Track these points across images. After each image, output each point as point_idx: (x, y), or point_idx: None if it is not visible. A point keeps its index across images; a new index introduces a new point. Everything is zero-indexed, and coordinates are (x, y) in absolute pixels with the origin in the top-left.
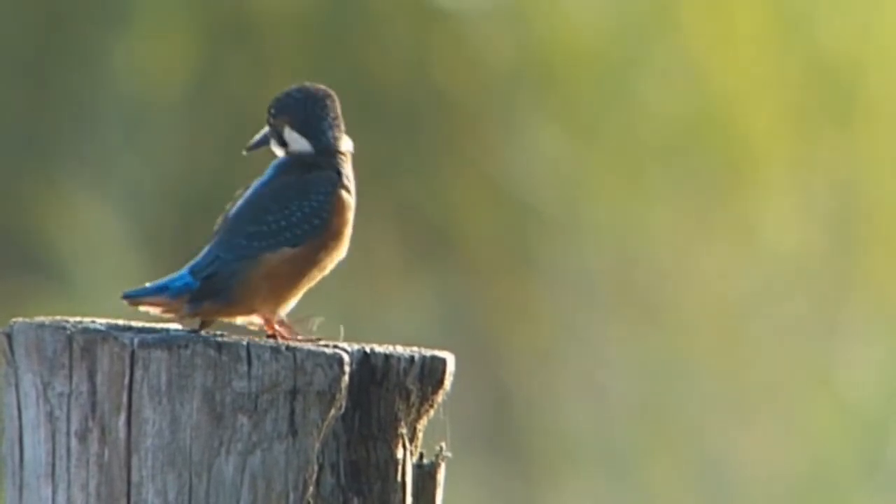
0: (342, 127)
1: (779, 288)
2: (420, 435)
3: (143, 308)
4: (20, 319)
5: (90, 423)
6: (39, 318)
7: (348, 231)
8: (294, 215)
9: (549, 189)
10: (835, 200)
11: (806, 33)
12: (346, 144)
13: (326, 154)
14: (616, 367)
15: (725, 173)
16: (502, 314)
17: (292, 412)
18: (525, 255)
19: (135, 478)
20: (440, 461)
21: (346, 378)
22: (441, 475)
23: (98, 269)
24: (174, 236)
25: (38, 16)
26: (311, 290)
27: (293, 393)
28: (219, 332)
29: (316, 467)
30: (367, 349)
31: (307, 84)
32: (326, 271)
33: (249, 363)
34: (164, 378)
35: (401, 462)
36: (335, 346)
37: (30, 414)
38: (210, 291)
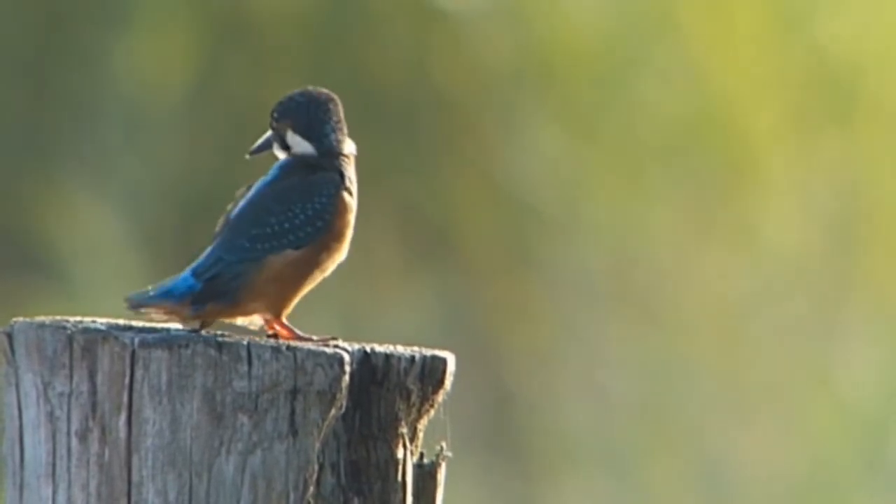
0: (345, 130)
1: (779, 288)
2: (420, 435)
3: (145, 310)
4: (20, 319)
5: (90, 423)
6: (40, 318)
7: (349, 233)
8: (297, 217)
9: (549, 189)
10: (835, 200)
11: (806, 33)
12: (348, 147)
13: (329, 156)
14: (616, 367)
15: (725, 173)
16: (502, 314)
17: (293, 412)
18: (525, 255)
19: (135, 478)
20: (440, 461)
21: (347, 378)
22: (441, 475)
23: (98, 269)
24: (174, 236)
25: (38, 16)
26: (311, 291)
27: (294, 393)
28: (219, 332)
29: (316, 467)
30: (368, 349)
31: (310, 88)
32: (327, 272)
33: (250, 363)
34: (164, 378)
35: (401, 462)
36: (336, 346)
37: (30, 414)
38: (213, 293)
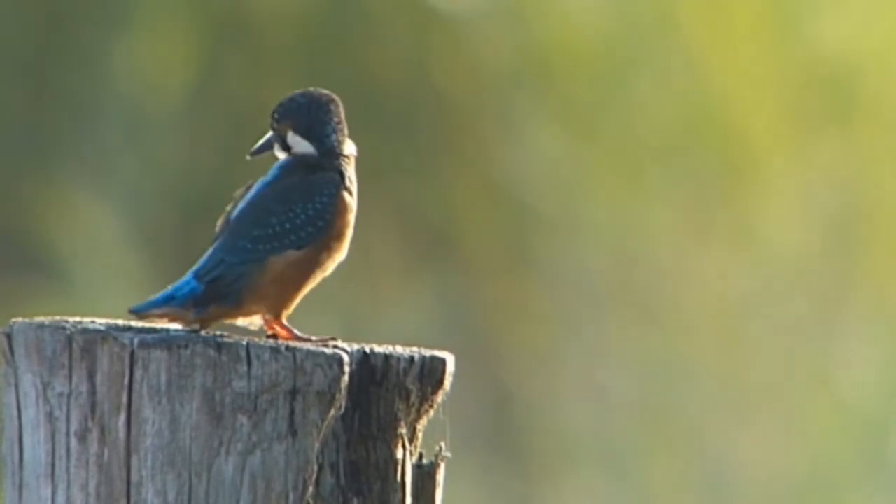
0: (346, 131)
1: (779, 288)
2: (420, 435)
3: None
4: (20, 319)
5: (90, 423)
6: (39, 318)
7: (350, 232)
8: (299, 217)
9: (548, 189)
10: (835, 200)
11: (806, 33)
12: (349, 148)
13: (330, 157)
14: (616, 367)
15: (725, 173)
16: (502, 314)
17: (292, 412)
18: (525, 255)
19: (134, 478)
20: (440, 461)
21: (346, 378)
22: (441, 475)
23: (98, 269)
24: (174, 236)
25: (38, 16)
26: (311, 291)
27: (293, 393)
28: (219, 333)
29: (316, 467)
30: (367, 349)
31: (311, 89)
32: (328, 272)
33: (249, 363)
34: (163, 378)
35: (400, 462)
36: (335, 347)
37: (29, 414)
38: (215, 295)
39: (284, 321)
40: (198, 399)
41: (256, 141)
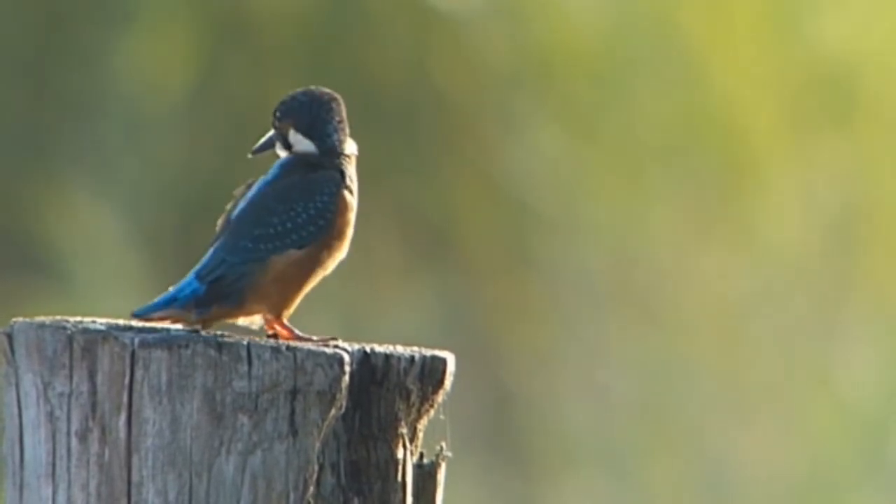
0: (347, 130)
1: (779, 288)
2: (420, 435)
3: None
4: (20, 319)
5: (90, 423)
6: (39, 318)
7: (350, 231)
8: (300, 216)
9: (548, 189)
10: (835, 200)
11: (806, 33)
12: (350, 147)
13: (331, 156)
14: (616, 367)
15: (725, 173)
16: (502, 314)
17: (292, 412)
18: (525, 255)
19: (135, 478)
20: (440, 461)
21: (347, 378)
22: (441, 475)
23: (98, 269)
24: (174, 236)
25: (38, 16)
26: (312, 291)
27: (293, 393)
28: (219, 332)
29: (316, 467)
30: (368, 349)
31: (313, 87)
32: (329, 271)
33: (250, 363)
34: (164, 378)
35: (401, 462)
36: (336, 346)
37: (30, 414)
38: (217, 296)
39: (285, 321)
40: (198, 399)
41: (257, 140)
